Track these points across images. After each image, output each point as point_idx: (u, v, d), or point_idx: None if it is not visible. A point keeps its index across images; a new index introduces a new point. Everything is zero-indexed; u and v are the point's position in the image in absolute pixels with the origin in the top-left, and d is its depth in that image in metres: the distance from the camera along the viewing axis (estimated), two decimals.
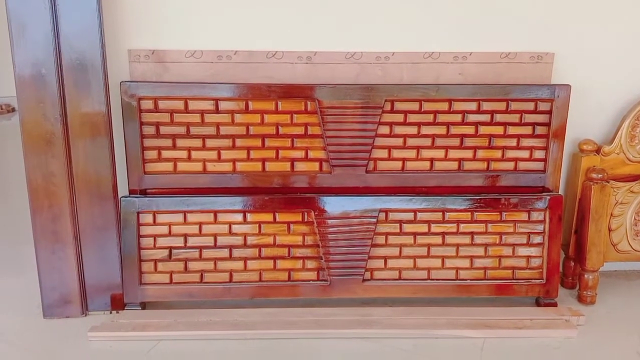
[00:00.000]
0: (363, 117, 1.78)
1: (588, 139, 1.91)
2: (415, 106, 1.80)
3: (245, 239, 1.80)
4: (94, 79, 1.67)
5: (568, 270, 2.01)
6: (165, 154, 1.78)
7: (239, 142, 1.78)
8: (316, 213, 1.80)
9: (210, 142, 1.78)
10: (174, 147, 1.78)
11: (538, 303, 1.89)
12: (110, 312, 1.83)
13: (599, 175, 1.84)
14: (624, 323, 1.82)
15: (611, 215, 1.88)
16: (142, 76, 1.79)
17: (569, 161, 1.98)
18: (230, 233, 1.80)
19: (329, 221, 1.80)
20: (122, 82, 1.73)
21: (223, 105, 1.76)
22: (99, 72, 1.66)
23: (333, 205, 1.80)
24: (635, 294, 2.00)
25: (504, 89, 1.81)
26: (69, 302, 1.80)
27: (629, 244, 1.90)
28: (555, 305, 1.86)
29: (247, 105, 1.76)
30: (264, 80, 1.80)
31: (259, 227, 1.80)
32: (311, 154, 1.81)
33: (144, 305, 1.83)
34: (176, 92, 1.74)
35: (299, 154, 1.80)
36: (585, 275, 1.91)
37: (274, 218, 1.80)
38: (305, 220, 1.81)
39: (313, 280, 1.83)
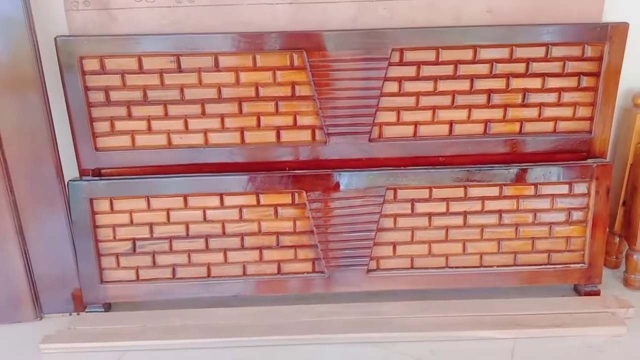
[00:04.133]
0: (365, 72, 1.44)
1: None
2: (430, 55, 1.45)
3: (223, 227, 1.52)
4: (17, 35, 1.33)
5: (611, 247, 1.72)
6: (120, 125, 1.47)
7: (209, 108, 1.46)
8: (309, 193, 1.50)
9: (173, 109, 1.46)
10: (130, 116, 1.46)
11: (578, 291, 1.62)
12: (70, 314, 1.58)
13: None
14: None
15: None
16: (83, 28, 1.44)
17: (618, 118, 1.65)
18: (205, 220, 1.51)
19: (325, 202, 1.50)
20: (57, 37, 1.39)
21: (187, 62, 1.42)
22: (23, 25, 1.32)
23: (329, 182, 1.49)
24: None
25: (543, 31, 1.45)
26: (19, 304, 1.55)
27: None
28: (598, 293, 1.60)
29: (216, 61, 1.42)
30: (236, 27, 1.45)
31: (240, 212, 1.51)
32: (301, 121, 1.49)
33: (108, 306, 1.58)
34: (127, 47, 1.41)
35: (286, 120, 1.48)
36: (635, 256, 1.62)
37: (258, 201, 1.50)
38: (296, 202, 1.51)
39: (308, 273, 1.56)
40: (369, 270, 1.56)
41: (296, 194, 1.51)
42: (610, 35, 1.45)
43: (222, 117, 1.47)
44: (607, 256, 1.74)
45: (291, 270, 1.56)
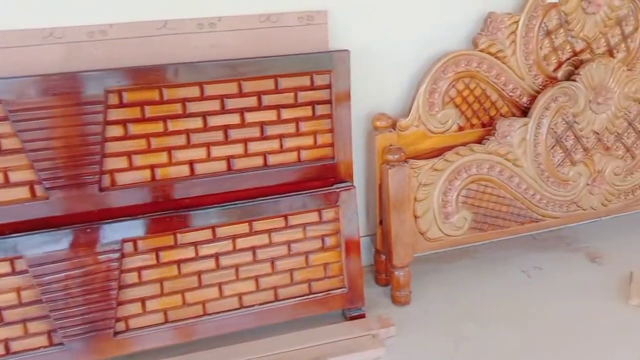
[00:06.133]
0: (79, 117, 1.34)
1: (381, 113, 1.64)
2: (153, 95, 1.39)
3: None
4: None
5: (380, 266, 1.78)
6: None
7: None
8: (30, 258, 1.34)
9: None
10: None
11: (345, 316, 1.63)
12: None
13: (395, 156, 1.59)
14: (441, 323, 1.63)
15: (415, 200, 1.65)
16: None
17: (366, 141, 1.71)
18: None
19: (51, 266, 1.35)
20: None
21: None
22: None
23: (54, 242, 1.35)
24: (453, 281, 1.82)
25: (270, 63, 1.46)
26: None
27: (440, 229, 1.70)
28: (363, 316, 1.62)
29: None
30: None
31: None
32: (14, 177, 1.33)
33: None
34: None
35: None
36: (395, 273, 1.68)
37: None
38: (17, 270, 1.34)
39: (44, 348, 1.39)
40: (116, 333, 1.43)
41: (15, 262, 1.33)
42: (334, 63, 1.50)
43: None
44: (377, 274, 1.80)
45: (23, 347, 1.37)
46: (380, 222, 1.70)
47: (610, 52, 1.81)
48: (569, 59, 1.76)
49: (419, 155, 1.68)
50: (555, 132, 1.74)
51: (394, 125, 1.65)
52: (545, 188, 1.77)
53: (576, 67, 1.76)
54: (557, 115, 1.72)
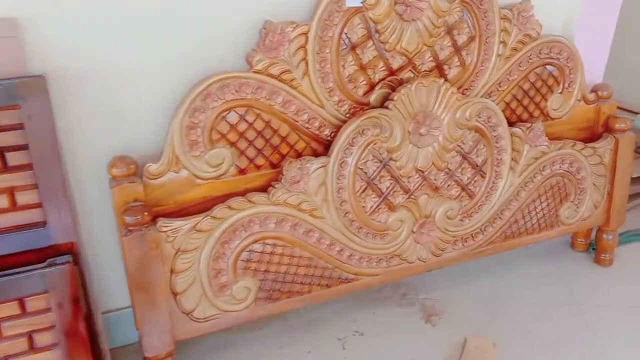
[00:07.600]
0: None
1: (119, 156, 1.22)
2: None
3: None
4: None
5: None
6: None
7: None
8: None
9: None
10: None
11: None
12: None
13: (135, 218, 1.18)
14: None
15: (172, 272, 1.25)
16: None
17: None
18: None
19: None
20: None
21: None
22: None
23: None
24: None
25: None
26: None
27: (213, 305, 1.30)
28: None
29: None
30: None
31: None
32: None
33: None
34: None
35: None
36: None
37: None
38: None
39: None
40: None
41: None
42: (23, 95, 1.06)
43: None
44: None
45: None
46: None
47: (439, 69, 1.47)
48: (383, 79, 1.40)
49: (186, 207, 1.28)
50: (365, 172, 1.38)
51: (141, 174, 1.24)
52: (356, 241, 1.42)
53: (394, 89, 1.41)
54: (366, 152, 1.36)
